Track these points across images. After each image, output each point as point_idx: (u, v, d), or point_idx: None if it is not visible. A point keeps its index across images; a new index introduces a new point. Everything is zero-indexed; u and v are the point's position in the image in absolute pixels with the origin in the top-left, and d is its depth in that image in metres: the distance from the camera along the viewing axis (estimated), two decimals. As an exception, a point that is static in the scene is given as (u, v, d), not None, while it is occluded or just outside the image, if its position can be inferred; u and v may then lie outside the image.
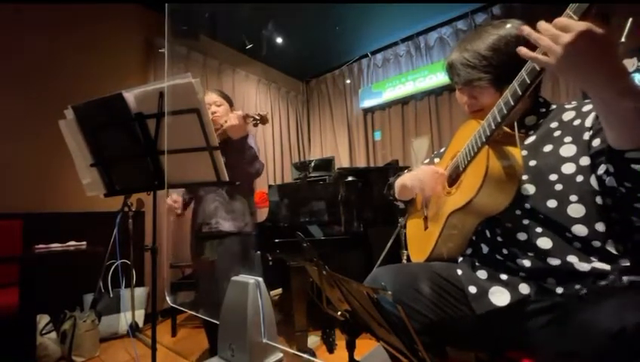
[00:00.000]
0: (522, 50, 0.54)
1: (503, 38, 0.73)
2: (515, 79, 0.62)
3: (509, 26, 0.75)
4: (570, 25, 0.48)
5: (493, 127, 0.68)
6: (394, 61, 3.72)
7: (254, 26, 3.14)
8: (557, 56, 0.49)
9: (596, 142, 0.63)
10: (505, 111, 0.65)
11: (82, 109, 1.15)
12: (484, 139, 0.71)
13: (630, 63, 2.02)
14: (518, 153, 0.71)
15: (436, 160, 1.07)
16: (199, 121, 1.07)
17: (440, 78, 3.26)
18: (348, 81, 4.12)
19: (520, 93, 0.61)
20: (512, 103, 0.63)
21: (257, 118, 1.36)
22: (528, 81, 0.59)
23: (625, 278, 0.60)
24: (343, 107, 4.16)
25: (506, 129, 0.72)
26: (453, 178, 0.85)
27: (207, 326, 1.55)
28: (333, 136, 4.23)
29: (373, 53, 3.85)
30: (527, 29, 0.53)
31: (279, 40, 3.38)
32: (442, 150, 1.07)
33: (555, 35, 0.49)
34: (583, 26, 0.46)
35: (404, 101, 3.63)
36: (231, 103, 1.63)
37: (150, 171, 1.16)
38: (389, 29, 3.41)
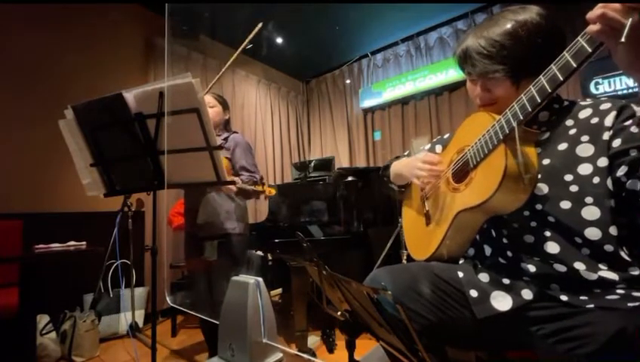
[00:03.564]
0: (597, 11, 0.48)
1: (523, 24, 0.67)
2: (553, 62, 0.56)
3: (528, 11, 0.69)
4: None
5: (521, 116, 0.63)
6: (394, 61, 3.72)
7: (254, 26, 3.14)
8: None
9: (617, 143, 0.60)
10: (539, 100, 0.59)
11: (82, 109, 1.15)
12: (500, 137, 0.66)
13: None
14: (534, 153, 0.67)
15: (438, 146, 1.01)
16: (199, 121, 1.07)
17: (440, 78, 3.25)
18: (348, 81, 4.12)
19: (561, 79, 0.54)
20: (549, 90, 0.56)
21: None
22: (574, 65, 0.51)
23: (636, 294, 0.58)
24: (343, 107, 4.15)
25: (523, 126, 0.67)
26: (462, 174, 0.80)
27: (204, 327, 1.55)
28: (333, 136, 4.23)
29: (373, 53, 3.85)
30: None
31: (279, 40, 3.38)
32: (446, 136, 1.00)
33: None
34: None
35: (404, 101, 3.63)
36: (226, 107, 1.63)
37: (150, 171, 1.16)
38: (389, 29, 3.41)
